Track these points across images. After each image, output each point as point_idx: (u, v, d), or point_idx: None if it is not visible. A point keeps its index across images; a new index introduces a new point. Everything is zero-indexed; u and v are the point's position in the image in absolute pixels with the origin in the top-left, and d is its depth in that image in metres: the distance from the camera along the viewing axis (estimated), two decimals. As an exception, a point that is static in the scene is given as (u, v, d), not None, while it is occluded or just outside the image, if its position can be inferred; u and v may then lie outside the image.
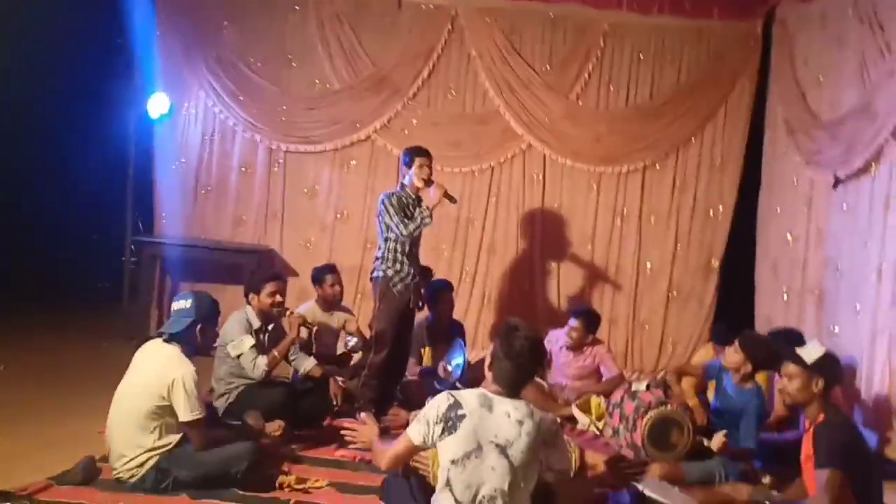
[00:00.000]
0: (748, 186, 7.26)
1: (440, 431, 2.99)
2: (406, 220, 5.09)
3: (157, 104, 6.98)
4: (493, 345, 3.13)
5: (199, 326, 3.87)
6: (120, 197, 7.08)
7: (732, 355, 4.62)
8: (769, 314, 6.82)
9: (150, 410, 3.65)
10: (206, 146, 7.35)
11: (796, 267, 6.47)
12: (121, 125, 7.01)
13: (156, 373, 3.70)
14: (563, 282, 7.40)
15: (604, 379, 6.05)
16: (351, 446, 3.86)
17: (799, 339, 4.70)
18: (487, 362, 3.12)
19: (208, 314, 3.94)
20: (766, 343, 4.68)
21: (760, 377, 4.79)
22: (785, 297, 6.58)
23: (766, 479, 4.35)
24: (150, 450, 3.67)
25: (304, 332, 5.22)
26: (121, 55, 7.02)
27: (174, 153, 7.32)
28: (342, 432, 3.71)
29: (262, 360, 4.68)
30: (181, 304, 3.92)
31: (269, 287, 4.87)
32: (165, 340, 3.87)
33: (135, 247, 7.07)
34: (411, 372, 5.90)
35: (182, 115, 7.28)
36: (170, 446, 3.71)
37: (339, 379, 5.40)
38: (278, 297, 4.91)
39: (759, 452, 4.60)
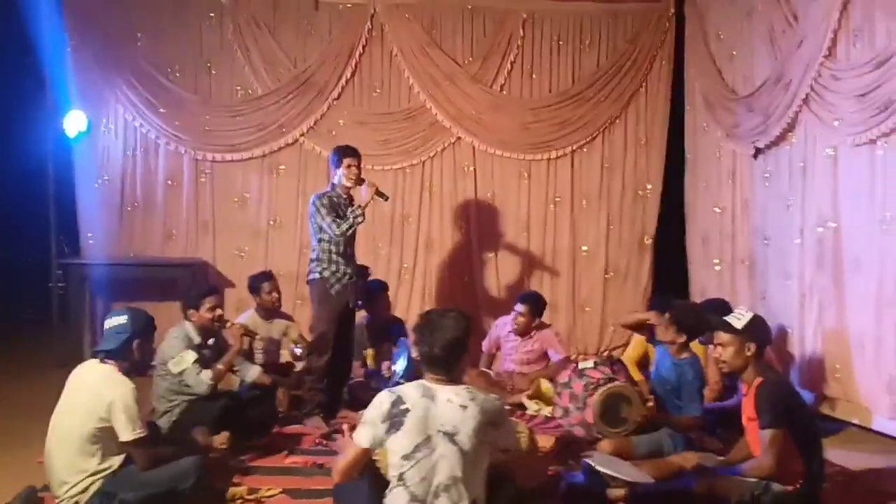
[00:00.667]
0: (675, 163, 7.42)
1: (386, 430, 2.97)
2: (338, 220, 5.06)
3: (73, 122, 6.78)
4: (416, 339, 3.12)
5: (136, 342, 3.75)
6: (40, 220, 6.83)
7: (664, 331, 4.68)
8: (703, 285, 6.99)
9: (90, 433, 3.53)
10: (130, 161, 7.17)
11: (725, 238, 6.65)
12: (37, 146, 6.77)
13: (92, 394, 3.58)
14: (502, 271, 7.45)
15: (551, 362, 6.09)
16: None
17: (726, 308, 4.82)
18: (416, 356, 3.12)
19: (144, 328, 3.83)
20: (694, 311, 4.77)
21: (697, 349, 4.89)
22: (717, 268, 6.75)
23: (713, 444, 4.45)
24: (92, 474, 3.55)
25: (245, 342, 5.13)
26: (32, 75, 6.79)
27: (96, 171, 7.11)
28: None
29: (207, 375, 4.58)
30: (115, 320, 3.80)
31: (208, 302, 4.78)
32: (101, 360, 3.75)
33: (62, 270, 6.84)
34: (357, 374, 5.87)
35: (101, 131, 7.08)
36: (113, 468, 3.59)
37: (285, 387, 5.36)
38: (218, 311, 4.82)
39: (705, 422, 4.70)
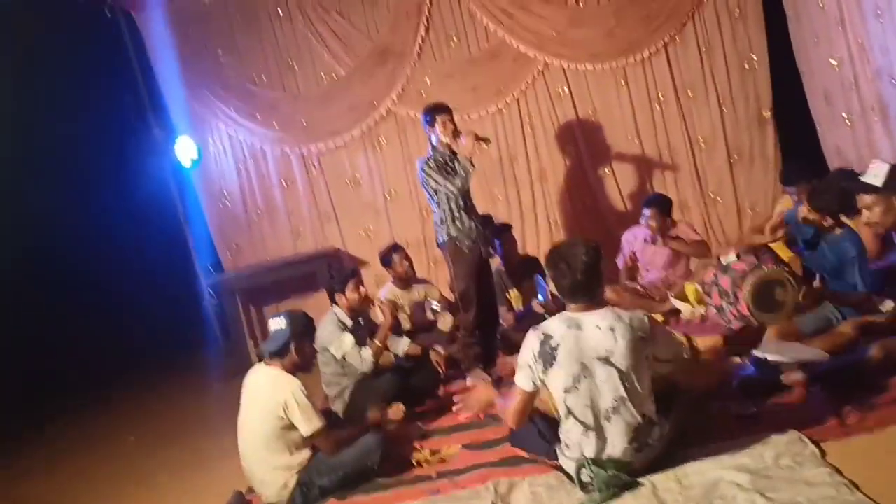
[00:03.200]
0: (776, 26, 6.97)
1: (542, 368, 3.02)
2: (450, 178, 5.08)
3: (184, 149, 7.13)
4: (552, 275, 3.13)
5: (293, 343, 3.94)
6: (177, 249, 7.25)
7: (809, 212, 4.43)
8: (837, 144, 6.60)
9: (274, 433, 3.78)
10: (243, 173, 7.47)
11: (849, 89, 6.24)
12: (156, 182, 7.16)
13: (266, 397, 3.81)
14: (622, 183, 7.29)
15: (689, 243, 5.95)
16: (467, 412, 4.03)
17: (854, 174, 4.51)
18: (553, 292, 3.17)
19: (303, 330, 4.02)
20: (832, 188, 4.35)
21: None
22: (848, 123, 6.35)
23: (887, 306, 4.23)
24: (287, 468, 3.80)
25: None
26: (134, 112, 7.15)
27: (216, 190, 7.47)
28: (454, 407, 3.87)
29: (367, 353, 4.80)
30: (276, 323, 4.01)
31: (351, 284, 4.98)
32: (267, 363, 3.98)
33: (212, 289, 7.26)
34: (505, 320, 5.94)
35: (210, 152, 7.40)
36: (305, 460, 3.84)
37: (439, 348, 5.50)
38: (363, 290, 5.02)
39: (871, 285, 4.47)
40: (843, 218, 4.33)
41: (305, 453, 3.86)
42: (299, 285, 7.33)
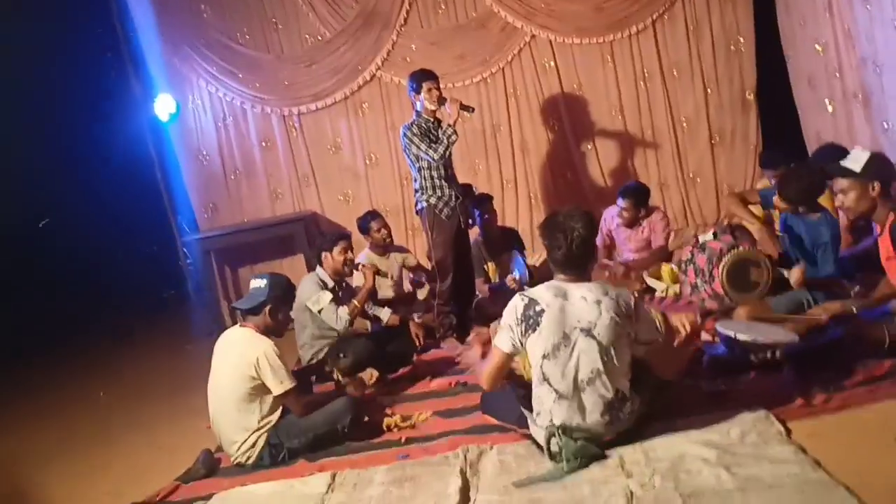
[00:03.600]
0: (764, 9, 6.98)
1: (524, 331, 3.04)
2: (433, 145, 5.06)
3: (163, 106, 7.02)
4: (547, 243, 3.13)
5: (269, 307, 3.92)
6: (152, 205, 7.15)
7: (781, 204, 4.49)
8: (817, 129, 6.64)
9: (246, 392, 3.77)
10: (222, 132, 7.36)
11: (832, 75, 6.26)
12: (133, 136, 7.03)
13: (238, 356, 3.80)
14: (604, 159, 7.30)
15: (653, 248, 6.06)
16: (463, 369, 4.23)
17: (840, 152, 4.55)
18: (533, 264, 3.17)
19: (281, 295, 3.99)
20: (801, 177, 4.41)
21: (827, 201, 4.66)
22: (829, 108, 6.39)
23: (855, 290, 4.28)
24: (257, 429, 3.80)
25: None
26: (115, 67, 7.01)
27: (194, 148, 7.36)
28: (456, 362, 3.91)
29: (344, 311, 4.81)
30: (256, 283, 3.99)
31: (341, 244, 5.00)
32: (241, 324, 3.96)
33: (186, 248, 7.19)
34: (481, 291, 5.95)
35: (189, 109, 7.29)
36: (274, 420, 3.83)
37: (416, 316, 5.51)
38: (349, 255, 5.03)
39: (842, 270, 4.53)
40: (823, 198, 4.39)
41: (275, 414, 3.85)
42: (276, 248, 7.28)
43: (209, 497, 3.59)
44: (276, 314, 3.96)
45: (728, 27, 7.08)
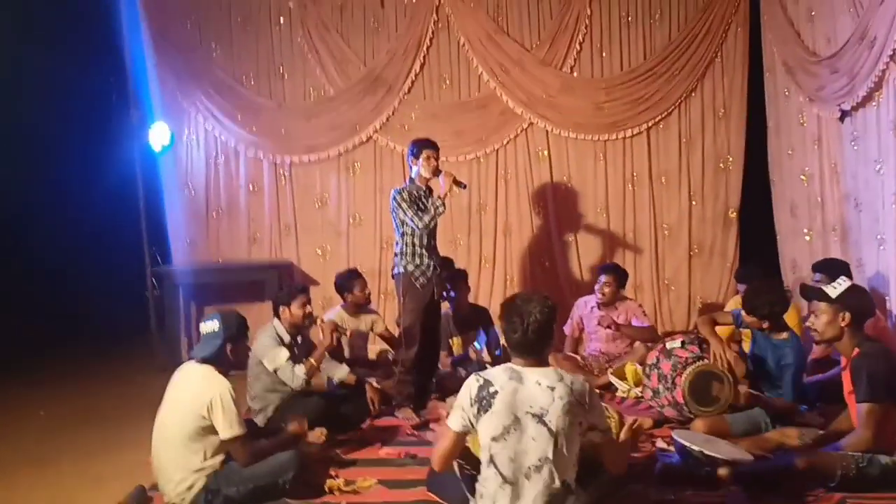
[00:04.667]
0: (756, 132, 7.21)
1: (476, 412, 3.00)
2: (420, 213, 5.09)
3: (157, 135, 7.02)
4: (504, 325, 3.13)
5: (229, 347, 3.87)
6: (133, 231, 7.09)
7: (747, 318, 4.57)
8: (793, 257, 6.78)
9: (193, 431, 3.67)
10: (212, 169, 7.38)
11: (815, 206, 6.42)
12: (124, 160, 7.01)
13: (193, 394, 3.72)
14: (583, 253, 7.38)
15: (636, 330, 6.03)
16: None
17: (843, 269, 4.66)
18: (503, 342, 3.15)
19: (237, 332, 3.94)
20: (765, 295, 4.52)
21: (791, 319, 4.73)
22: (807, 238, 6.53)
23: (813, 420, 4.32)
24: (197, 471, 3.69)
25: (335, 338, 5.24)
26: (116, 90, 7.03)
27: (181, 181, 7.36)
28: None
29: (301, 370, 4.72)
30: (209, 325, 3.92)
31: (299, 299, 4.92)
32: (199, 362, 3.89)
33: (155, 278, 7.09)
34: (443, 364, 5.90)
35: (183, 142, 7.31)
36: (216, 465, 3.73)
37: (373, 380, 5.44)
38: (308, 308, 4.97)
39: (805, 396, 4.57)
40: (790, 316, 4.46)
41: (218, 458, 3.75)
42: (245, 292, 7.18)
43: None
44: (236, 352, 3.92)
45: (719, 145, 7.29)
